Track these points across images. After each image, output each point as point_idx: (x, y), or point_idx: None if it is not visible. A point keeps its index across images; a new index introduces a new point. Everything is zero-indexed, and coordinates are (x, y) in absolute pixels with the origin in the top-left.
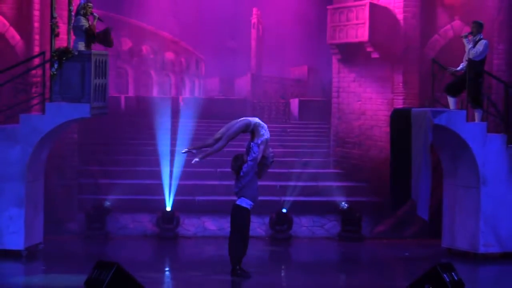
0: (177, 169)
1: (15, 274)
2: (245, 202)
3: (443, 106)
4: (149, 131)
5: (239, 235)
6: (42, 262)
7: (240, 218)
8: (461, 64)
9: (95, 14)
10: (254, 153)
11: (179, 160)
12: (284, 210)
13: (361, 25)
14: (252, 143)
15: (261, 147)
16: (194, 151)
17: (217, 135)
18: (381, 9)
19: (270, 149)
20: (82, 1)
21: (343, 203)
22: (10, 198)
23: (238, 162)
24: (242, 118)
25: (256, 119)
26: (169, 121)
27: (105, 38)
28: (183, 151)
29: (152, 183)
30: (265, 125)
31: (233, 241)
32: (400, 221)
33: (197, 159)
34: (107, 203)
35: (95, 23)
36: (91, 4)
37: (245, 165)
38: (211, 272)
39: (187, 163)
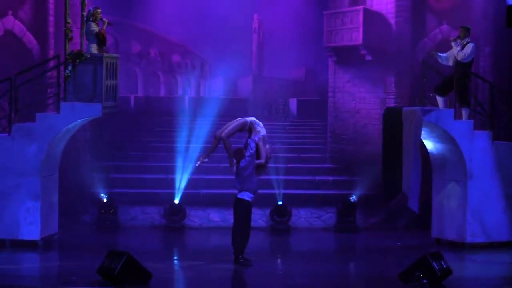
0: (184, 164)
1: (32, 263)
2: (246, 195)
3: (432, 105)
4: (157, 129)
5: (241, 226)
6: (57, 251)
7: (242, 210)
8: (445, 53)
9: (104, 19)
10: (251, 149)
11: (185, 156)
12: (280, 203)
13: (355, 29)
14: (249, 140)
15: (260, 143)
16: (205, 159)
17: (217, 135)
18: (374, 14)
19: (268, 146)
20: (91, 8)
21: (352, 196)
22: (27, 192)
23: (237, 155)
24: (239, 118)
25: (252, 118)
26: (176, 119)
27: None
28: (197, 164)
29: (160, 178)
30: (261, 123)
31: (236, 231)
32: (392, 213)
33: (204, 160)
34: (105, 197)
35: (104, 27)
36: (100, 10)
37: (243, 160)
38: (216, 260)
39: (193, 159)
